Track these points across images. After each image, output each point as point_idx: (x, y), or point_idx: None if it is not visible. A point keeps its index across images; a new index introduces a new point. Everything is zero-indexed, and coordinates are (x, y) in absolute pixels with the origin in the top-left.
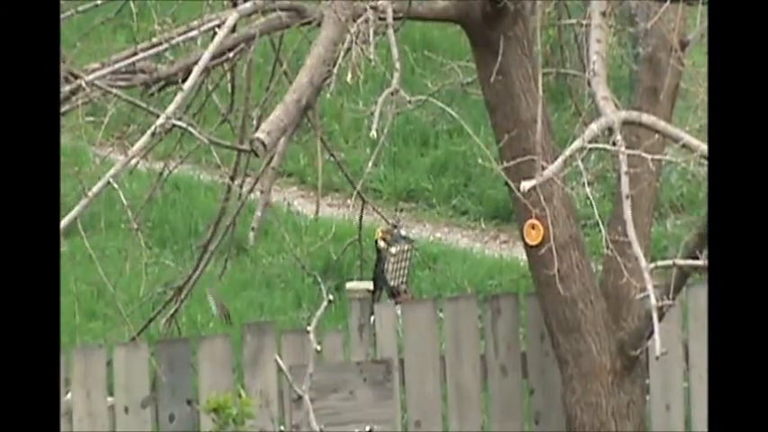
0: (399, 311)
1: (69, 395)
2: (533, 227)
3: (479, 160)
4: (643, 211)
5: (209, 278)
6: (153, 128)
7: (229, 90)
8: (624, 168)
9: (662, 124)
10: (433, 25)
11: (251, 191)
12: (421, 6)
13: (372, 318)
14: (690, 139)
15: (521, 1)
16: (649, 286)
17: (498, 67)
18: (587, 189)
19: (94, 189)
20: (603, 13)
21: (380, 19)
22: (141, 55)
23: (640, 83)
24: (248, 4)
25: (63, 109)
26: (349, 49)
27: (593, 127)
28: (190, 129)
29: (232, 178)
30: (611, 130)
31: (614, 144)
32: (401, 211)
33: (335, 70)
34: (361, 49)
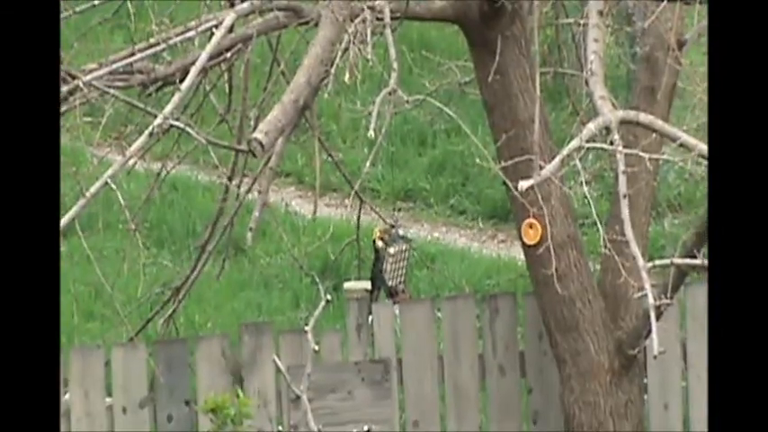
0: (397, 311)
1: (67, 395)
2: (531, 226)
3: (477, 160)
4: (641, 210)
5: (208, 278)
6: (150, 128)
7: (227, 90)
8: (622, 168)
9: (659, 123)
10: (430, 25)
11: (249, 191)
12: (418, 6)
13: (370, 318)
14: (687, 138)
15: (518, 1)
16: (647, 285)
17: (496, 67)
18: (585, 188)
19: (92, 189)
20: (601, 13)
21: (378, 19)
22: (139, 55)
23: (638, 82)
24: (245, 5)
25: (61, 109)
26: (346, 49)
27: (591, 126)
28: (187, 129)
29: (230, 178)
30: (608, 129)
31: (612, 143)
32: (399, 210)
33: (333, 70)
34: (359, 49)
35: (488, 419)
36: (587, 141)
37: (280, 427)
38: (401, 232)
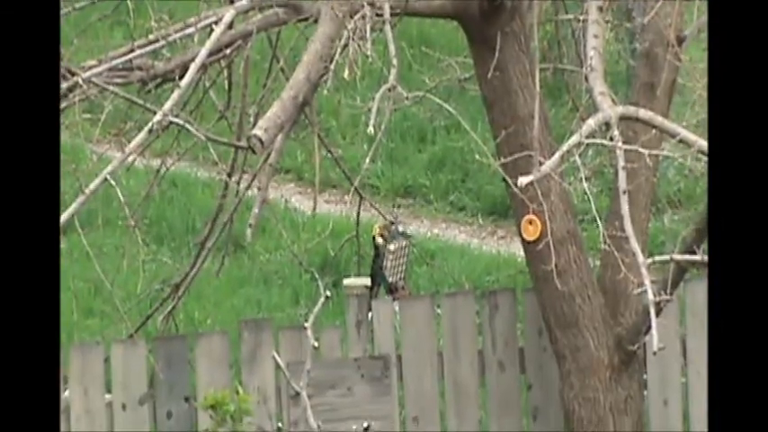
0: (397, 307)
1: (67, 392)
2: (531, 222)
3: (477, 156)
4: (640, 206)
5: (207, 275)
6: (150, 125)
7: (226, 87)
8: (621, 164)
9: (659, 119)
10: (430, 22)
11: (248, 188)
12: (418, 3)
13: (370, 314)
14: (687, 134)
15: None
16: (647, 281)
17: (495, 63)
18: (585, 184)
19: (92, 186)
20: (600, 9)
21: (377, 15)
22: (138, 52)
23: (637, 78)
24: (245, 1)
25: (60, 106)
26: (346, 46)
27: (591, 122)
28: (187, 126)
29: (229, 175)
30: (608, 125)
31: (611, 139)
32: (399, 207)
33: (333, 67)
34: (359, 46)
35: (488, 415)
36: (587, 137)
37: (279, 424)
38: (401, 229)
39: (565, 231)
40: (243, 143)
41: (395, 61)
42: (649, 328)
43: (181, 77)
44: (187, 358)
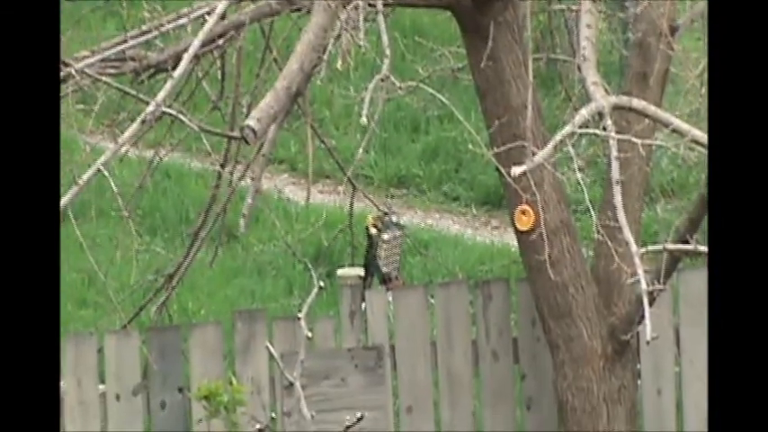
0: (390, 298)
1: (61, 383)
2: (524, 212)
3: (470, 146)
4: (633, 196)
5: (201, 265)
6: (143, 115)
7: (219, 77)
8: (614, 153)
9: (652, 109)
10: (423, 11)
11: (241, 178)
12: None
13: (363, 304)
14: (680, 123)
15: None
16: (640, 271)
17: (488, 53)
18: (578, 174)
19: (85, 177)
20: None
21: (370, 5)
22: (131, 42)
23: (630, 68)
24: None
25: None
26: (339, 36)
27: (584, 112)
28: (180, 116)
29: (222, 166)
30: (601, 115)
31: (604, 129)
32: (392, 197)
33: (326, 57)
34: (352, 36)
35: (482, 405)
36: (580, 127)
37: (273, 414)
38: (394, 219)
39: (558, 221)
40: (236, 134)
41: (388, 51)
42: (642, 317)
43: (174, 68)
44: (181, 349)
